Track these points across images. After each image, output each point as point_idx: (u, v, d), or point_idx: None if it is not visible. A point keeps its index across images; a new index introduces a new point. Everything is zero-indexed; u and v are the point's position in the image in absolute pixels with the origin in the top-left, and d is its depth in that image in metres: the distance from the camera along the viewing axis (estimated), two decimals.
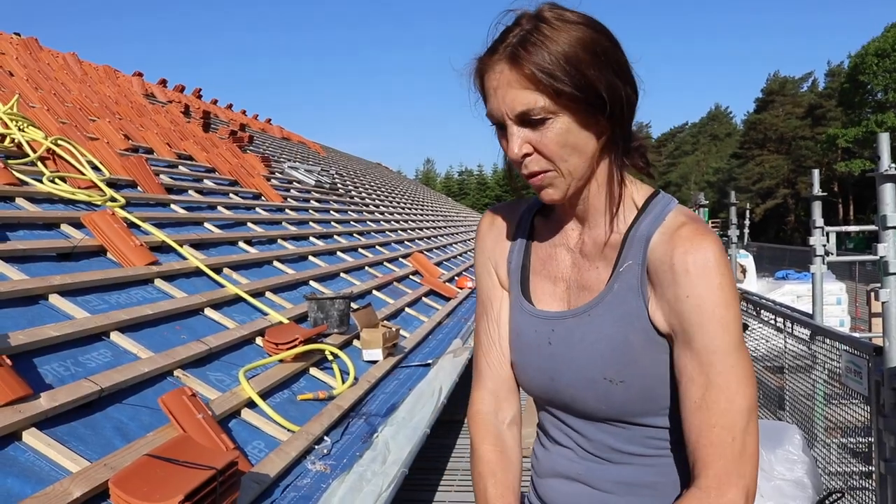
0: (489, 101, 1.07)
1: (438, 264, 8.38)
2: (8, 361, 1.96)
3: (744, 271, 10.94)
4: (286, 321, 3.56)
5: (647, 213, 1.11)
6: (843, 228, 5.93)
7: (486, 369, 1.29)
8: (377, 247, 7.47)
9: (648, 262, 1.07)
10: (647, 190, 1.16)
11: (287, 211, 6.67)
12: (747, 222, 12.63)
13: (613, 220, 1.13)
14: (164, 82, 11.35)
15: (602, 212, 1.13)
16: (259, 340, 3.27)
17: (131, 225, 3.66)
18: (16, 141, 3.99)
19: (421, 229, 11.66)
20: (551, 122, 1.02)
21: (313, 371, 3.28)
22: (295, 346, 3.16)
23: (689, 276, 1.02)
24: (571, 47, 1.01)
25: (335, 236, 6.85)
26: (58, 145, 4.11)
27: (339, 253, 6.12)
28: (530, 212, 1.26)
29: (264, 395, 2.72)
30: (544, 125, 1.03)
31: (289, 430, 2.57)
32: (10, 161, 3.69)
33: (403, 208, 13.64)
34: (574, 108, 1.02)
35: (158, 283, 3.27)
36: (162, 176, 5.16)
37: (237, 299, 3.59)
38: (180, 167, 5.94)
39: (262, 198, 6.56)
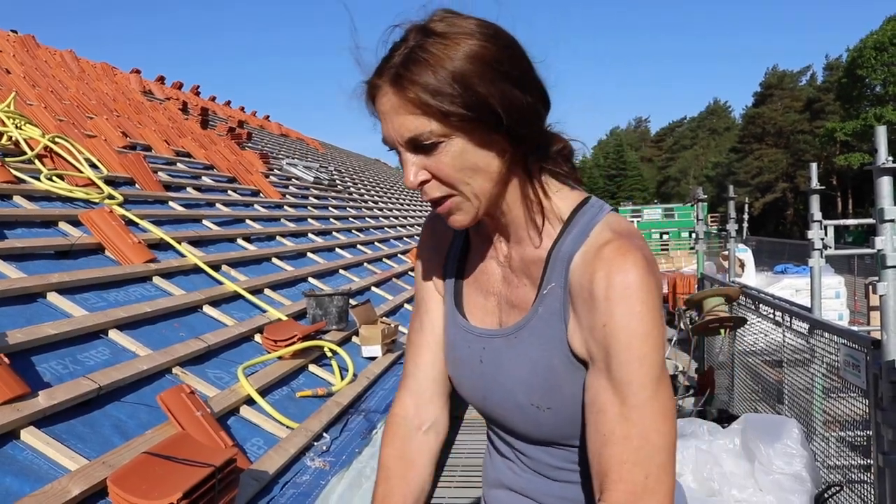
0: (382, 127, 1.00)
1: None
2: (6, 360, 1.95)
3: (742, 265, 10.95)
4: (285, 318, 3.56)
5: (572, 227, 1.04)
6: (842, 222, 5.93)
7: (414, 371, 1.25)
8: (376, 243, 7.47)
9: (570, 285, 1.01)
10: (576, 198, 1.08)
11: (286, 208, 6.67)
12: (746, 216, 12.63)
13: (533, 235, 1.06)
14: (161, 79, 11.33)
15: (524, 226, 1.07)
16: (258, 337, 3.27)
17: (129, 222, 3.65)
18: (13, 139, 3.99)
19: (420, 226, 11.65)
20: (444, 145, 0.95)
21: (312, 368, 3.28)
22: (294, 342, 3.16)
23: (608, 303, 0.94)
24: (460, 63, 0.93)
25: (334, 233, 6.85)
26: (55, 143, 4.10)
27: (337, 249, 6.11)
28: None
29: (263, 392, 2.72)
30: (438, 149, 0.96)
31: (288, 427, 2.57)
32: (7, 159, 3.69)
33: (402, 204, 13.64)
34: (468, 127, 0.95)
35: (157, 280, 3.27)
36: (160, 173, 5.16)
37: (236, 296, 3.59)
38: (178, 164, 5.93)
39: (261, 194, 6.55)
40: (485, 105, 0.93)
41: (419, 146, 0.96)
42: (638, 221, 19.83)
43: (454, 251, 1.21)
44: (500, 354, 1.10)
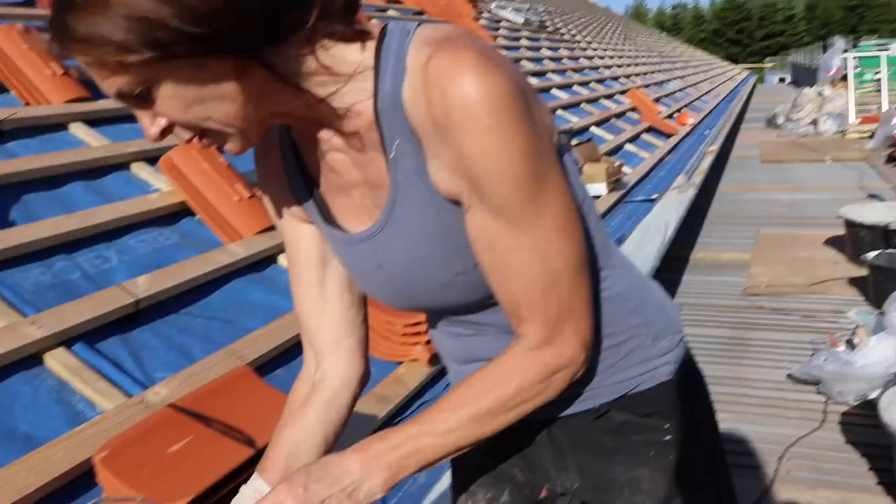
0: None
1: (656, 101, 7.90)
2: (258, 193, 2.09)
3: None
4: None
5: (385, 67, 0.84)
6: None
7: (304, 325, 1.09)
8: (592, 84, 7.15)
9: (414, 129, 0.83)
10: (371, 38, 0.87)
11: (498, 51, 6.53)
12: None
13: (349, 103, 0.85)
14: None
15: (331, 103, 0.85)
16: None
17: None
18: None
19: (636, 65, 11.00)
20: (154, 91, 0.75)
21: None
22: None
23: (454, 129, 0.78)
24: None
25: (548, 74, 6.62)
26: None
27: (553, 90, 5.92)
28: (286, 126, 0.99)
29: None
30: (152, 97, 0.76)
31: None
32: None
33: (616, 45, 12.90)
34: (166, 66, 0.73)
35: None
36: (372, 20, 5.21)
37: None
38: (390, 11, 5.96)
39: None
40: (172, 35, 0.71)
41: (133, 99, 0.77)
42: (889, 56, 16.41)
43: (292, 164, 1.01)
44: (392, 248, 0.94)
